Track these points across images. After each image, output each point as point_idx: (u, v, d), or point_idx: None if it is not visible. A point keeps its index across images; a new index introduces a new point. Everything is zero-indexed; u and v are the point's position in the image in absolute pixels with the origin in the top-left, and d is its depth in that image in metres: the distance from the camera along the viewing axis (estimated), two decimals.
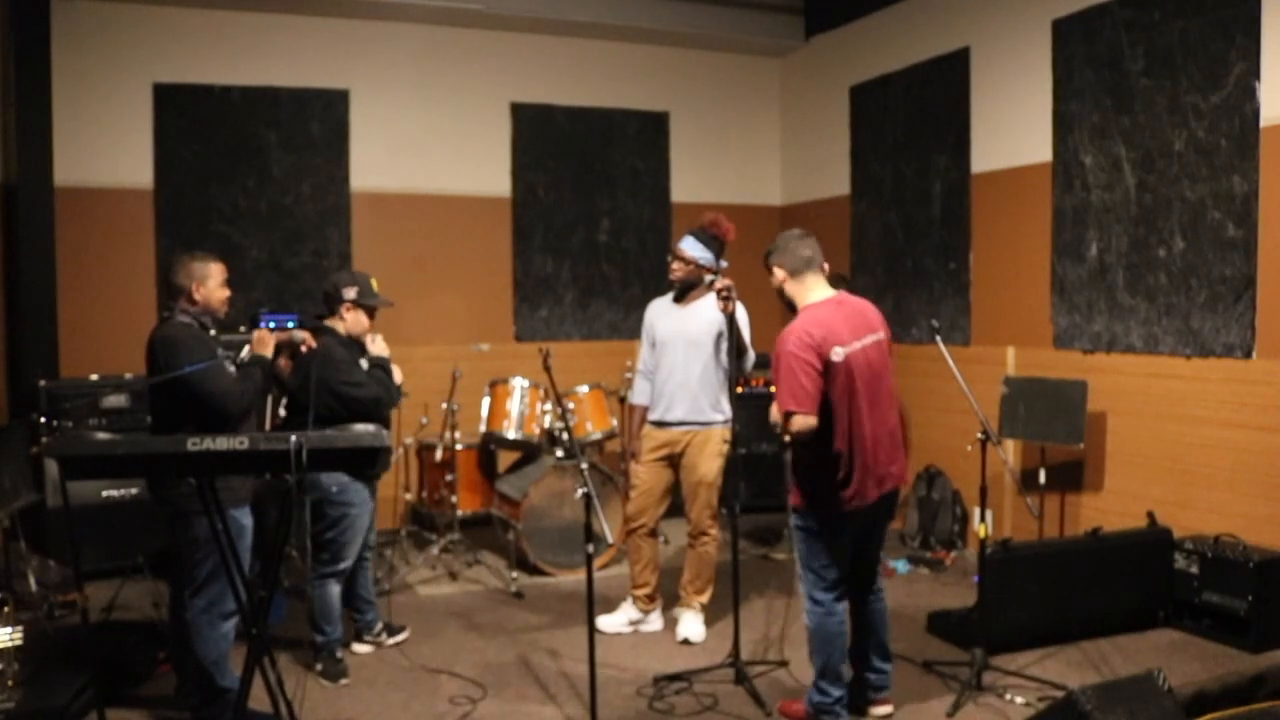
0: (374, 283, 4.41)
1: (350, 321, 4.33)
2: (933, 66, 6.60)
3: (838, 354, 3.51)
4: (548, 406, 5.87)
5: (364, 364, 4.31)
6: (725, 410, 4.63)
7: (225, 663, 3.65)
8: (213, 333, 3.82)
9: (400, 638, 4.69)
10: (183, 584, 3.70)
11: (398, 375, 4.45)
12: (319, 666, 4.23)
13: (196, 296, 3.68)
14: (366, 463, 2.92)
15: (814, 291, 3.69)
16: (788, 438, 3.55)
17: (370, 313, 4.38)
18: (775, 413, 3.56)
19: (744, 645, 4.26)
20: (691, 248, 4.61)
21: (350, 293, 4.30)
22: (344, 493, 4.25)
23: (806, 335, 3.49)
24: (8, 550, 4.71)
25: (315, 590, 4.26)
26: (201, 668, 3.61)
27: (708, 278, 4.59)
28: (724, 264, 4.65)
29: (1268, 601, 4.38)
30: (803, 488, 3.65)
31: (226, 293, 3.79)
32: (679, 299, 4.71)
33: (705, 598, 4.77)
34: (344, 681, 4.20)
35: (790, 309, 3.75)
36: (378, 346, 4.43)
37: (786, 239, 3.75)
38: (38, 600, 4.74)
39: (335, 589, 4.30)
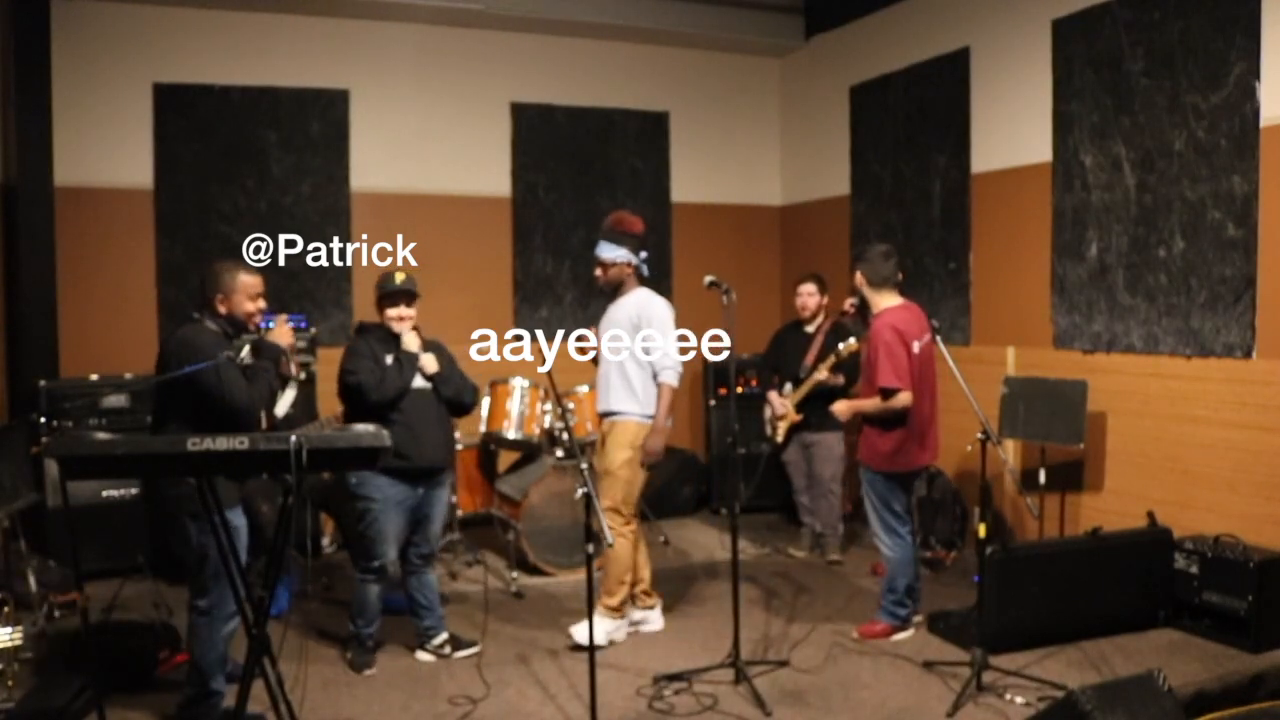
0: (397, 276, 4.43)
1: (385, 317, 4.44)
2: (933, 66, 6.60)
3: (915, 346, 4.48)
4: (547, 406, 5.88)
5: (389, 358, 4.35)
6: (643, 404, 4.58)
7: (220, 667, 3.68)
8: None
9: (469, 652, 4.51)
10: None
11: (431, 365, 4.38)
12: (348, 655, 4.41)
13: (220, 309, 3.68)
14: (367, 462, 2.93)
15: (887, 299, 4.64)
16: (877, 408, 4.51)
17: (394, 301, 4.40)
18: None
19: (744, 645, 4.25)
20: (607, 251, 4.66)
21: (377, 293, 4.48)
22: (362, 485, 4.27)
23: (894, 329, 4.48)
24: (8, 550, 4.72)
25: (356, 587, 4.38)
26: (198, 668, 3.63)
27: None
28: (644, 254, 4.69)
29: (1268, 601, 4.37)
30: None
31: (255, 306, 3.74)
32: (612, 298, 4.76)
33: (613, 600, 4.62)
34: (368, 672, 4.31)
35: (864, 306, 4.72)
36: (406, 341, 4.39)
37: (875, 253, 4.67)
38: (38, 600, 4.74)
39: (372, 589, 4.33)
